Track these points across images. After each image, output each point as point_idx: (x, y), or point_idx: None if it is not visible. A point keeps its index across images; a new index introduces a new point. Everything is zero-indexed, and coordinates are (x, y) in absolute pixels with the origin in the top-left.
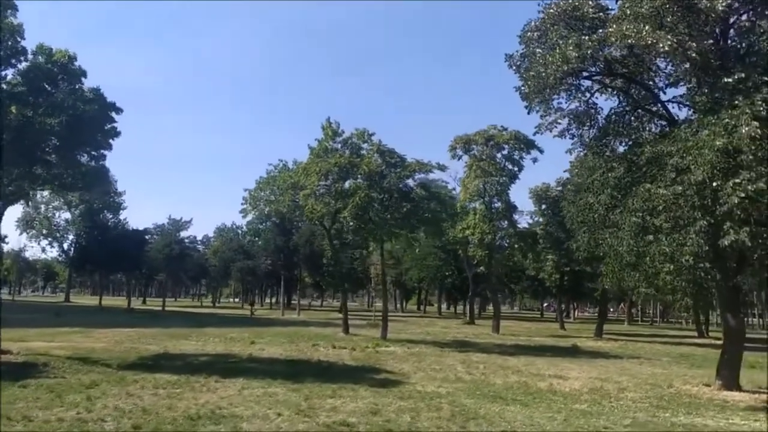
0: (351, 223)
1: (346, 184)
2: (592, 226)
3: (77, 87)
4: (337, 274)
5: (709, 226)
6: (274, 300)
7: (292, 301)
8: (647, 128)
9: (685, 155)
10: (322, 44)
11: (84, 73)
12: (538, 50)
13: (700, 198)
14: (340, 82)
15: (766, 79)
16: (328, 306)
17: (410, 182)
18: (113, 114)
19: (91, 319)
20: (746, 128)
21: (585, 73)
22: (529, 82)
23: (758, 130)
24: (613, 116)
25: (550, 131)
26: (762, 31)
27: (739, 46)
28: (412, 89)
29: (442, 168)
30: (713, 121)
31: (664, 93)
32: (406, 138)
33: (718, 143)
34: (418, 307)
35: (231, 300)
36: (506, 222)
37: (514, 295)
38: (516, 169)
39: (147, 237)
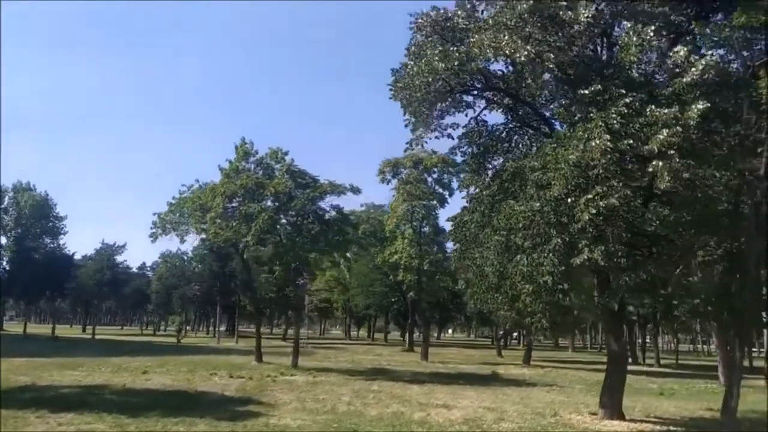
0: (253, 248)
1: (253, 207)
2: (464, 245)
3: None
4: (252, 301)
5: (563, 244)
6: (223, 328)
7: (239, 329)
8: (535, 145)
9: (546, 170)
10: (272, 55)
11: None
12: (410, 62)
13: (555, 215)
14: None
15: (623, 91)
16: (279, 334)
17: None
18: None
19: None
20: (597, 141)
21: (474, 90)
22: (397, 94)
23: (609, 144)
24: (497, 133)
25: (421, 146)
26: (623, 43)
27: (603, 58)
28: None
29: (355, 190)
30: (568, 134)
31: (549, 109)
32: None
33: (571, 157)
34: (368, 335)
35: (186, 328)
36: (436, 247)
37: (469, 322)
38: (446, 193)
39: (89, 262)
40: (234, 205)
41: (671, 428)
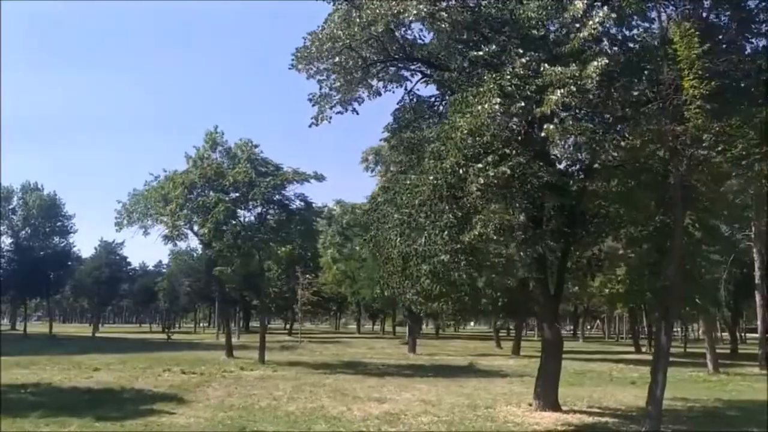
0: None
1: (211, 197)
2: (378, 228)
3: None
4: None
5: (456, 219)
6: (241, 324)
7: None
8: None
9: (445, 141)
10: None
11: None
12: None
13: (448, 188)
14: None
15: (521, 51)
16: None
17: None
18: None
19: None
20: (486, 105)
21: (394, 61)
22: (298, 64)
23: (498, 108)
24: (425, 106)
25: (327, 122)
26: None
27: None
28: None
29: (319, 177)
30: (459, 99)
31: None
32: None
33: (461, 124)
34: (381, 329)
35: (201, 325)
36: None
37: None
38: None
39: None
40: (192, 195)
41: (601, 419)
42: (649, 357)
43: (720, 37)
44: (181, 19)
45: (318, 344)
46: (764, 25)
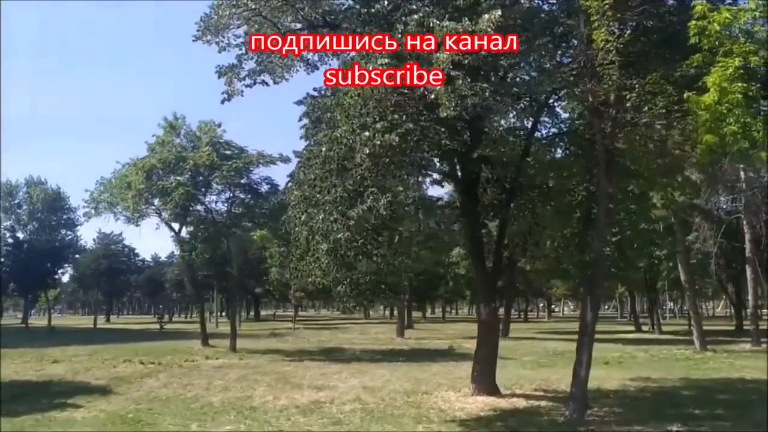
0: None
1: (170, 181)
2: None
3: None
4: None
5: (346, 193)
6: (249, 313)
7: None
8: None
9: (337, 108)
10: None
11: None
12: None
13: (338, 159)
14: None
15: (415, 7)
16: (305, 317)
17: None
18: None
19: None
20: (371, 67)
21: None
22: (204, 35)
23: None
24: None
25: (240, 95)
26: None
27: None
28: None
29: (285, 159)
30: (348, 62)
31: None
32: None
33: (351, 88)
34: (390, 313)
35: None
36: None
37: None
38: None
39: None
40: (152, 181)
41: (536, 403)
42: (648, 336)
43: None
44: (180, 16)
45: (313, 331)
46: None
